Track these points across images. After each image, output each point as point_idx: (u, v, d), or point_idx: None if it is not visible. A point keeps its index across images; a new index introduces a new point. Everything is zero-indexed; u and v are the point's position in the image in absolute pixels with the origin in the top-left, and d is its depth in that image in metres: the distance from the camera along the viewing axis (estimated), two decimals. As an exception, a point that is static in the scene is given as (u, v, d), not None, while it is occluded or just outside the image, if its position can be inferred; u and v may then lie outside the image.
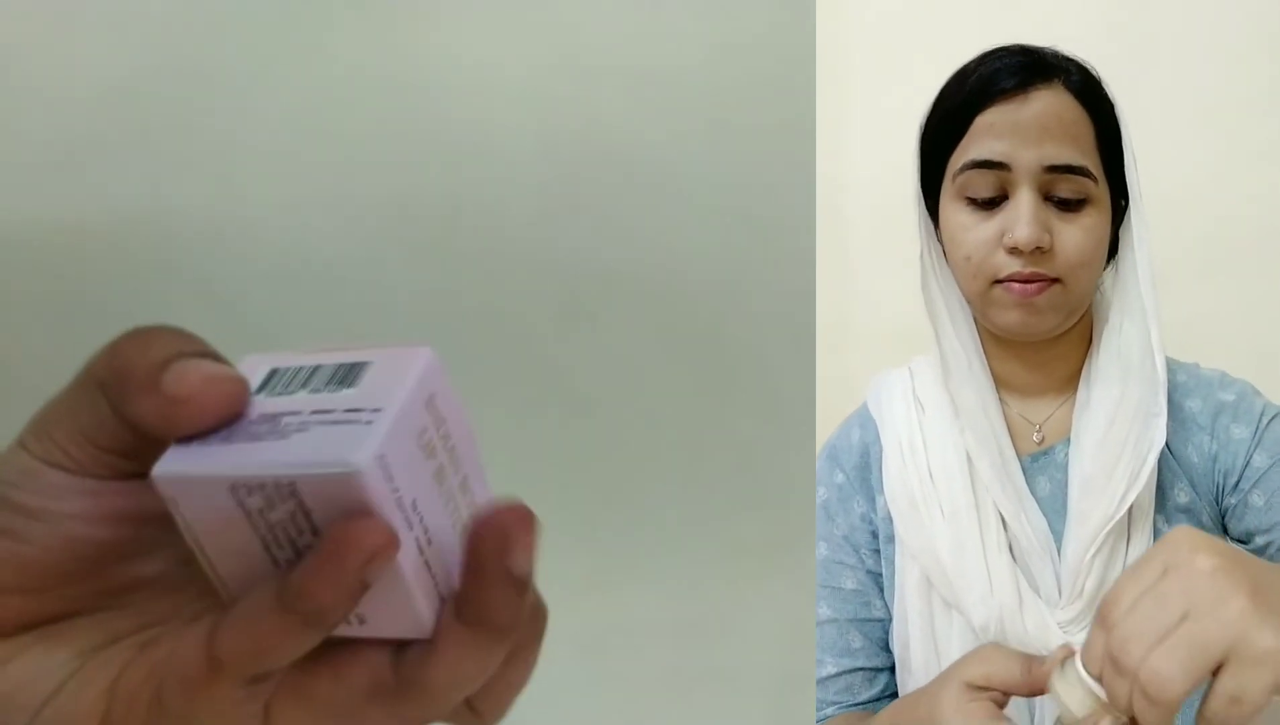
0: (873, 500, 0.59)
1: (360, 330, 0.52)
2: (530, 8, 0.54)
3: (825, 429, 0.62)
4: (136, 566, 0.30)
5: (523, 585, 0.28)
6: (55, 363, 0.50)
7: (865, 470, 0.60)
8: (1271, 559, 0.53)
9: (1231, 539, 0.56)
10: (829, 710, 0.59)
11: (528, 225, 0.55)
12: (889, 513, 0.58)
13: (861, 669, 0.59)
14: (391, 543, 0.26)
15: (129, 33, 0.50)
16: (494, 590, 0.27)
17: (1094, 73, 0.56)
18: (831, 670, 0.58)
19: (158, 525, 0.29)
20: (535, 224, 0.55)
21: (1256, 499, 0.55)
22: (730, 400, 0.59)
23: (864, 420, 0.61)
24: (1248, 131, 0.84)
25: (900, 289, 0.73)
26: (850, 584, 0.59)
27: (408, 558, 0.26)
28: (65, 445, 0.28)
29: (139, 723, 0.29)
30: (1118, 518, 0.53)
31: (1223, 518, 0.56)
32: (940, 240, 0.58)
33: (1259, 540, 0.55)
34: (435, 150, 0.53)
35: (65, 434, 0.28)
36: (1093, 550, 0.53)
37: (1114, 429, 0.55)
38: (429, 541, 0.27)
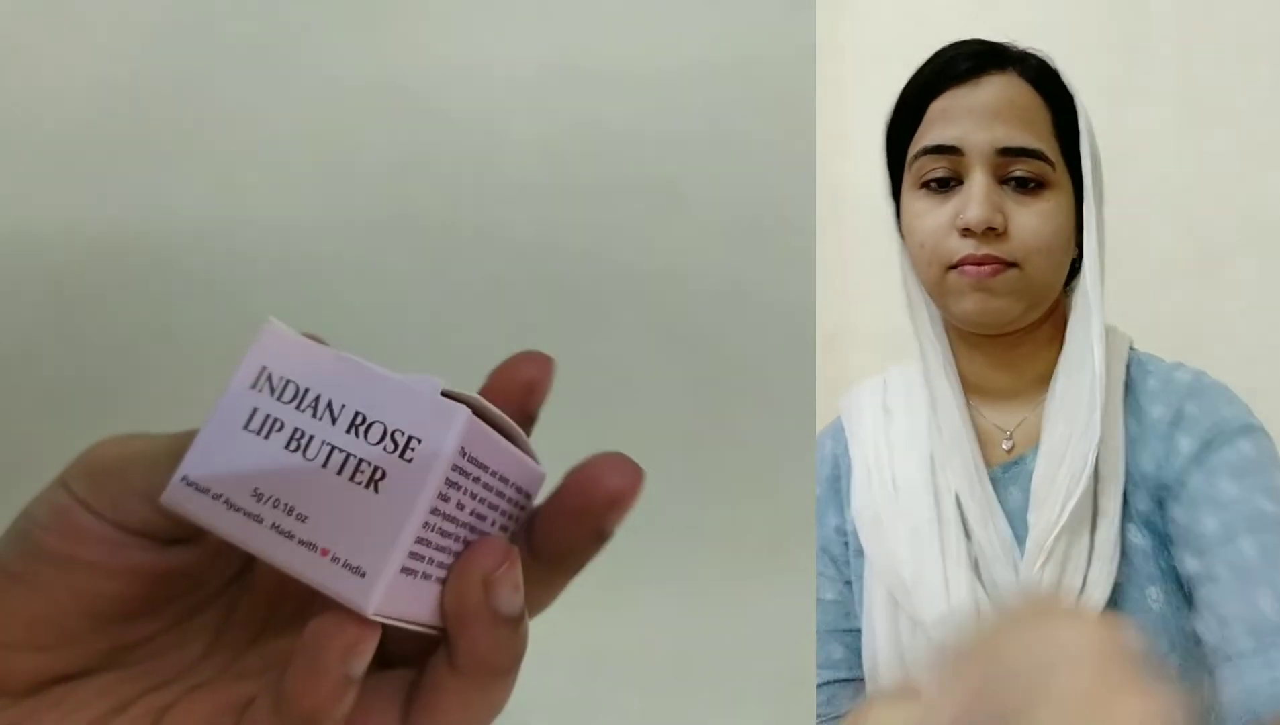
0: (843, 513, 0.58)
1: (360, 330, 0.51)
2: (529, 9, 0.54)
3: (825, 429, 0.62)
4: (141, 625, 0.30)
5: (516, 621, 0.27)
6: (55, 363, 0.51)
7: (836, 482, 0.59)
8: (1194, 591, 0.51)
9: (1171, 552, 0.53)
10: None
11: (527, 226, 0.55)
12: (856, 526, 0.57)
13: (844, 680, 0.58)
14: (368, 633, 0.25)
15: (129, 34, 0.50)
16: (485, 635, 0.26)
17: (1051, 64, 0.55)
18: (814, 682, 0.58)
19: (167, 583, 0.29)
20: (535, 225, 0.55)
21: (1199, 517, 0.51)
22: (730, 400, 0.59)
23: (836, 431, 0.60)
24: (1248, 131, 0.84)
25: (900, 289, 0.73)
26: (830, 595, 0.58)
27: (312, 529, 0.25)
28: (119, 498, 0.28)
29: None
30: (1061, 523, 0.51)
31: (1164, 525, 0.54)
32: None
33: (1189, 565, 0.51)
34: (435, 151, 0.53)
35: (123, 489, 0.28)
36: (1040, 559, 0.52)
37: (1057, 430, 0.53)
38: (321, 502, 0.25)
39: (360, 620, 0.24)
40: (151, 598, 0.29)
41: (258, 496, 0.25)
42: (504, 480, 0.28)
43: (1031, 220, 0.53)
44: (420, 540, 0.25)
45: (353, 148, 0.53)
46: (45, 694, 0.29)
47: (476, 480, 0.26)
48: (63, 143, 0.50)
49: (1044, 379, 0.56)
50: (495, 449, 0.27)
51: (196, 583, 0.30)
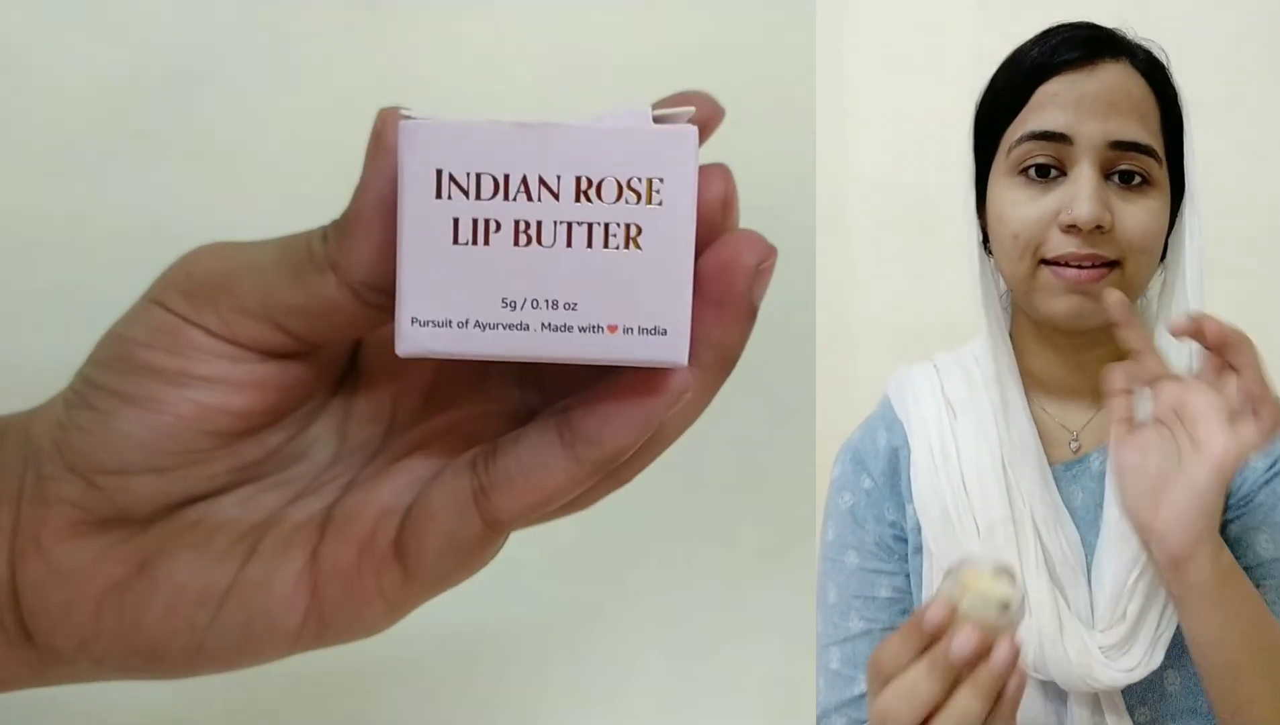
0: (902, 508, 0.56)
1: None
2: (529, 12, 0.54)
3: (826, 429, 0.61)
4: (265, 438, 0.28)
5: (755, 313, 0.25)
6: (55, 363, 0.50)
7: (894, 476, 0.56)
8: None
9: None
10: None
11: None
12: (919, 522, 0.54)
13: None
14: (689, 381, 0.24)
15: (130, 33, 0.50)
16: (739, 326, 0.25)
17: (1160, 57, 0.52)
18: (865, 688, 0.55)
19: (289, 393, 0.27)
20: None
21: (1255, 536, 0.51)
22: (730, 400, 0.59)
23: (889, 422, 0.57)
24: (1249, 131, 0.84)
25: (901, 289, 0.73)
26: (885, 592, 0.55)
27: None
28: (229, 316, 0.26)
29: (365, 601, 0.26)
30: None
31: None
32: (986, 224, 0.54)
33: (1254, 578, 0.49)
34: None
35: (233, 306, 0.25)
36: (1136, 572, 0.49)
37: None
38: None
39: (686, 374, 0.24)
40: (274, 410, 0.27)
41: (510, 305, 0.23)
42: None
43: (1138, 217, 0.50)
44: None
45: (353, 148, 0.53)
46: (177, 517, 0.28)
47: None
48: (63, 142, 0.50)
49: None
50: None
51: (315, 388, 0.29)
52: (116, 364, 0.26)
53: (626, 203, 0.23)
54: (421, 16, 0.53)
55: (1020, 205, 0.51)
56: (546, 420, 0.25)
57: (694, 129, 0.23)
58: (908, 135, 0.62)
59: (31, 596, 0.27)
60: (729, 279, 0.24)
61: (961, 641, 0.38)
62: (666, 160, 0.23)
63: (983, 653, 0.38)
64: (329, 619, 0.27)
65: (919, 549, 0.55)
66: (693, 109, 0.25)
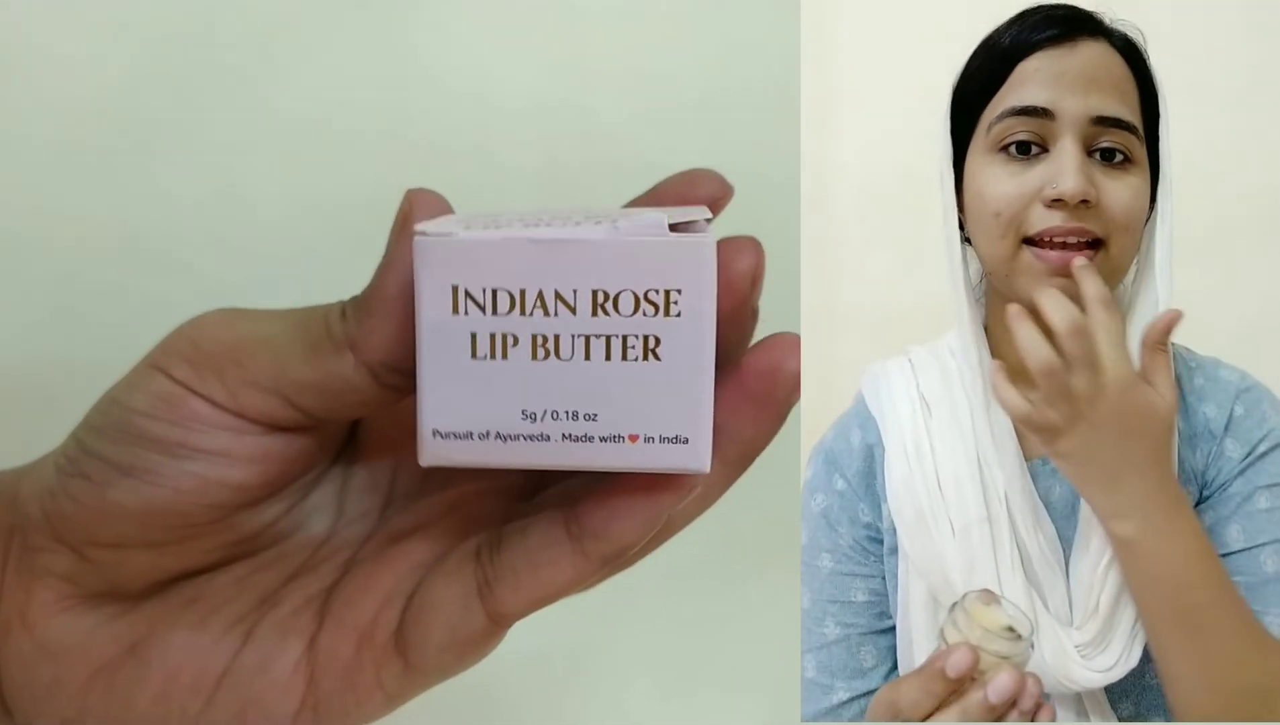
0: (878, 508, 0.54)
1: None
2: (521, 17, 0.55)
3: (810, 417, 0.59)
4: (262, 511, 0.27)
5: (786, 418, 0.26)
6: (55, 363, 0.50)
7: (869, 476, 0.54)
8: None
9: None
10: None
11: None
12: (894, 523, 0.53)
13: (876, 691, 0.53)
14: (698, 479, 0.24)
15: (129, 33, 0.50)
16: (771, 426, 0.25)
17: (1137, 40, 0.51)
18: (844, 696, 0.53)
19: (291, 466, 0.26)
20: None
21: (1226, 527, 0.50)
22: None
23: (863, 420, 0.55)
24: (1242, 116, 0.83)
25: (886, 272, 0.72)
26: (861, 596, 0.54)
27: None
28: (238, 389, 0.24)
29: (364, 693, 0.26)
30: None
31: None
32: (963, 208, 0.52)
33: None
34: (434, 152, 0.53)
35: (243, 380, 0.24)
36: (1106, 559, 0.48)
37: None
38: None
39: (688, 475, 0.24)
40: (275, 483, 0.26)
41: (530, 416, 0.23)
42: None
43: (1122, 193, 0.49)
44: None
45: (354, 149, 0.53)
46: (171, 593, 0.27)
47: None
48: (63, 142, 0.50)
49: None
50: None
51: (316, 460, 0.28)
52: (114, 432, 0.25)
53: (644, 315, 0.23)
54: (420, 22, 0.53)
55: (1001, 181, 0.49)
56: (554, 513, 0.25)
57: (711, 240, 0.23)
58: (895, 113, 0.61)
59: (15, 672, 0.26)
60: (773, 383, 0.25)
61: (1000, 686, 0.38)
62: (684, 271, 0.22)
63: (1021, 691, 0.38)
64: (325, 709, 0.26)
65: (894, 550, 0.53)
66: (708, 211, 0.25)
